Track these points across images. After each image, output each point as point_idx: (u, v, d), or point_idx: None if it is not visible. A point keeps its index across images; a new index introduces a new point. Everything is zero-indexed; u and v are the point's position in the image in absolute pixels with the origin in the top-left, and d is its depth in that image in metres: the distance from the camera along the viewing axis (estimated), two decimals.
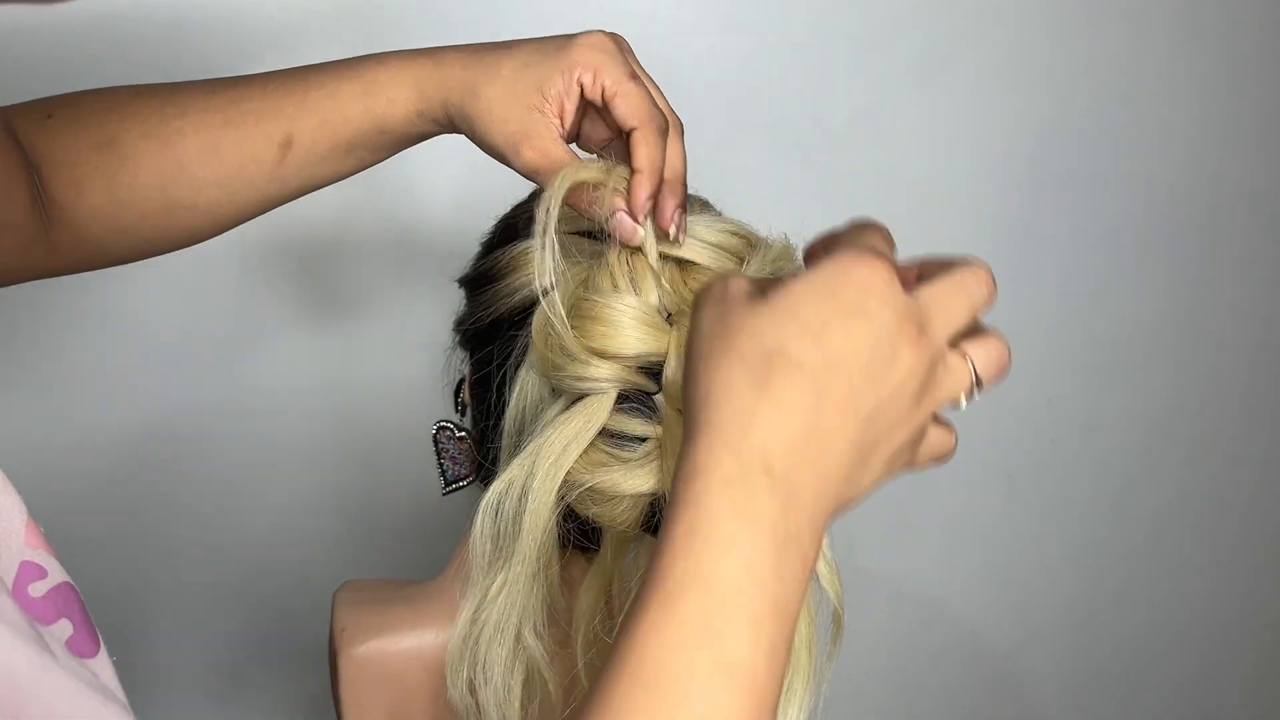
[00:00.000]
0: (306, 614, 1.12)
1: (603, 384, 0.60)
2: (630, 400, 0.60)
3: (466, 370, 0.72)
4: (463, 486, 0.75)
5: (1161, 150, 1.32)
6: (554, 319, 0.60)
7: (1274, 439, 1.46)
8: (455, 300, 0.77)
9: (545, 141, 0.60)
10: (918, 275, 0.48)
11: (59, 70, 1.00)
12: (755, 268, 0.63)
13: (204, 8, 1.03)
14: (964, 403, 0.48)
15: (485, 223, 0.76)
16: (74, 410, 1.12)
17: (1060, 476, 1.40)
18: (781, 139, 1.20)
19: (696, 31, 1.15)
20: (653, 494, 0.59)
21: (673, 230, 0.59)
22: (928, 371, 0.45)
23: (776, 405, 0.43)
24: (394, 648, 0.74)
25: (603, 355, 0.59)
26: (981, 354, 0.48)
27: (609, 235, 0.60)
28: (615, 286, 0.60)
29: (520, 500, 0.59)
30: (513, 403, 0.64)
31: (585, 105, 0.62)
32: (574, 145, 0.64)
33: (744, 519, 0.42)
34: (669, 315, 0.60)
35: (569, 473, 0.59)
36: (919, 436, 0.48)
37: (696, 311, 0.48)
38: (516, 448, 0.62)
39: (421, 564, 1.04)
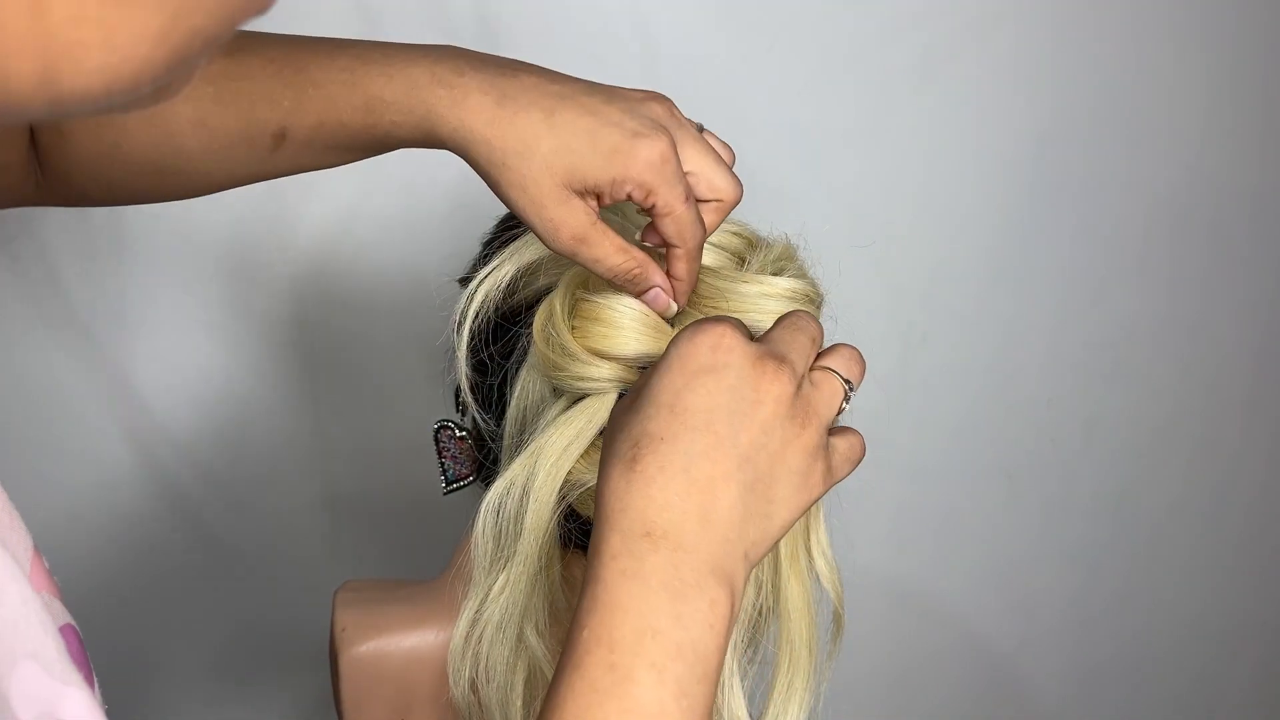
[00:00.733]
0: (306, 614, 1.12)
1: (604, 384, 0.60)
2: None
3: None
4: (464, 486, 0.75)
5: (1162, 151, 1.32)
6: (556, 319, 0.60)
7: (1275, 439, 1.46)
8: (455, 300, 0.77)
9: (584, 229, 0.57)
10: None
11: None
12: (757, 267, 0.63)
13: None
14: (846, 407, 0.52)
15: (485, 223, 0.76)
16: (73, 410, 1.12)
17: (1060, 476, 1.40)
18: (782, 139, 1.20)
19: (696, 31, 1.15)
20: None
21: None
22: (794, 394, 0.50)
23: (645, 478, 0.48)
24: (394, 647, 0.74)
25: (604, 355, 0.60)
26: (837, 360, 0.53)
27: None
28: (615, 287, 0.60)
29: (522, 500, 0.60)
30: (514, 403, 0.65)
31: None
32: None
33: (632, 581, 0.46)
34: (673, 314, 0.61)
35: (570, 472, 0.60)
36: (817, 453, 0.51)
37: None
38: (518, 447, 0.62)
39: (421, 564, 1.04)
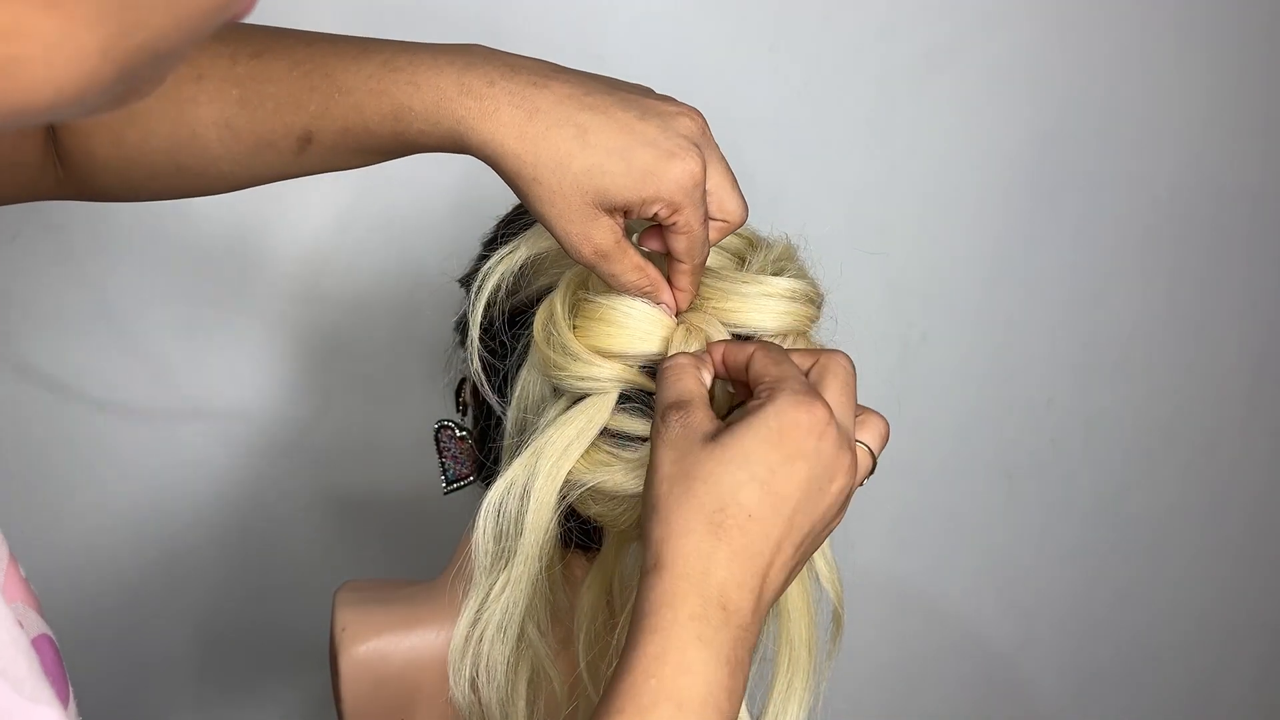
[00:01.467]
0: (307, 614, 1.12)
1: (605, 384, 0.60)
2: (632, 400, 0.60)
3: (467, 370, 0.73)
4: (464, 486, 0.75)
5: (1162, 150, 1.32)
6: (557, 318, 0.60)
7: (1275, 439, 1.46)
8: (456, 300, 0.77)
9: (608, 246, 0.57)
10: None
11: None
12: (757, 267, 0.63)
13: None
14: (866, 481, 0.56)
15: (485, 223, 0.76)
16: (71, 411, 1.12)
17: (1060, 476, 1.40)
18: (782, 139, 1.20)
19: (696, 30, 1.15)
20: None
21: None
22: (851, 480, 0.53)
23: (732, 550, 0.50)
24: (394, 647, 0.75)
25: (605, 355, 0.60)
26: (873, 435, 0.56)
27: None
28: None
29: (522, 500, 0.60)
30: (514, 403, 0.65)
31: None
32: None
33: (707, 649, 0.48)
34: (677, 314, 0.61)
35: (571, 472, 0.60)
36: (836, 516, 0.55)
37: (655, 449, 0.53)
38: (518, 447, 0.62)
39: (421, 564, 1.04)
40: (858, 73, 1.21)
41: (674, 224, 0.57)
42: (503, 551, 0.60)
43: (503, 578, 0.61)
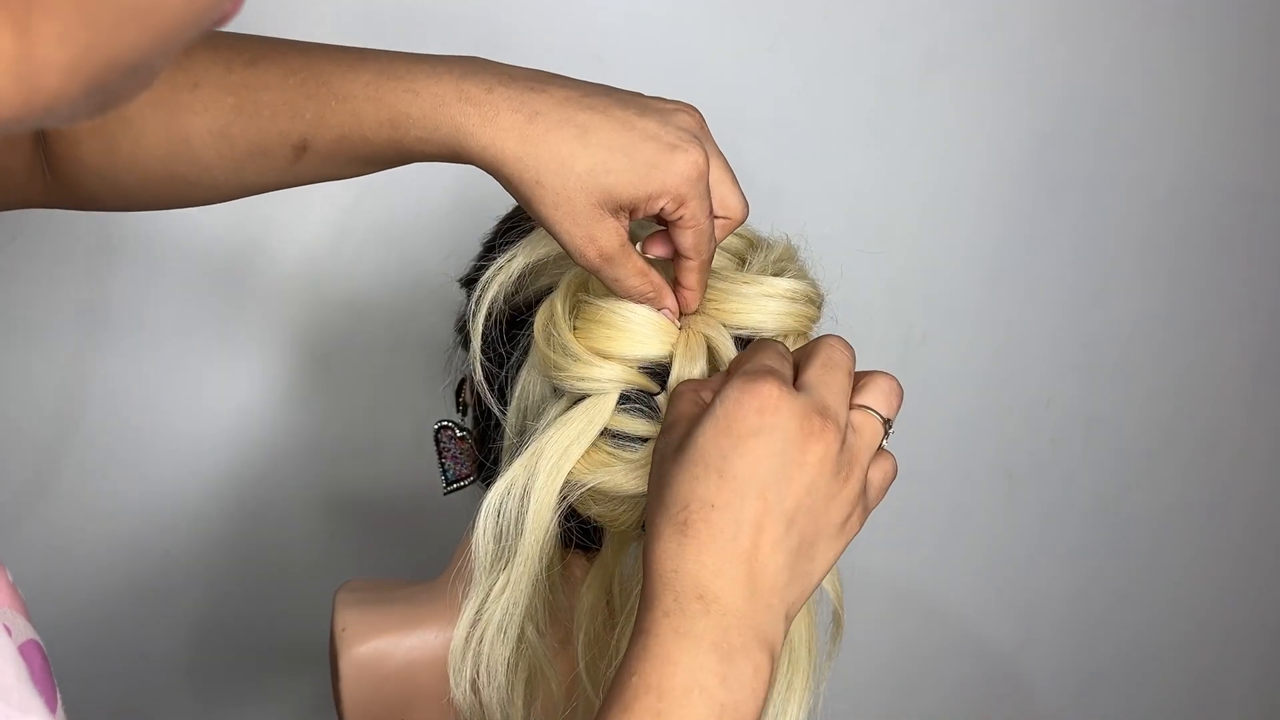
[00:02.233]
0: (307, 614, 1.12)
1: (605, 384, 0.60)
2: (632, 400, 0.60)
3: (468, 370, 0.73)
4: (464, 486, 0.75)
5: (1162, 151, 1.32)
6: (558, 319, 0.60)
7: (1275, 439, 1.46)
8: (456, 300, 0.77)
9: (613, 249, 0.57)
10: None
11: None
12: (758, 267, 0.63)
13: None
14: (885, 442, 0.54)
15: (485, 223, 0.76)
16: (70, 412, 1.12)
17: (1060, 476, 1.40)
18: (782, 139, 1.20)
19: (696, 31, 1.15)
20: None
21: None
22: (840, 448, 0.51)
23: (697, 544, 0.50)
24: (394, 648, 0.75)
25: (606, 356, 0.60)
26: (875, 396, 0.53)
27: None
28: None
29: (522, 501, 0.60)
30: (514, 403, 0.65)
31: None
32: None
33: (685, 639, 0.49)
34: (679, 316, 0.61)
35: (571, 473, 0.60)
36: (857, 500, 0.52)
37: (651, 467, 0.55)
38: (518, 448, 0.62)
39: (421, 564, 1.04)
40: (858, 73, 1.21)
41: (680, 218, 0.56)
42: (503, 552, 0.60)
43: (503, 578, 0.61)
